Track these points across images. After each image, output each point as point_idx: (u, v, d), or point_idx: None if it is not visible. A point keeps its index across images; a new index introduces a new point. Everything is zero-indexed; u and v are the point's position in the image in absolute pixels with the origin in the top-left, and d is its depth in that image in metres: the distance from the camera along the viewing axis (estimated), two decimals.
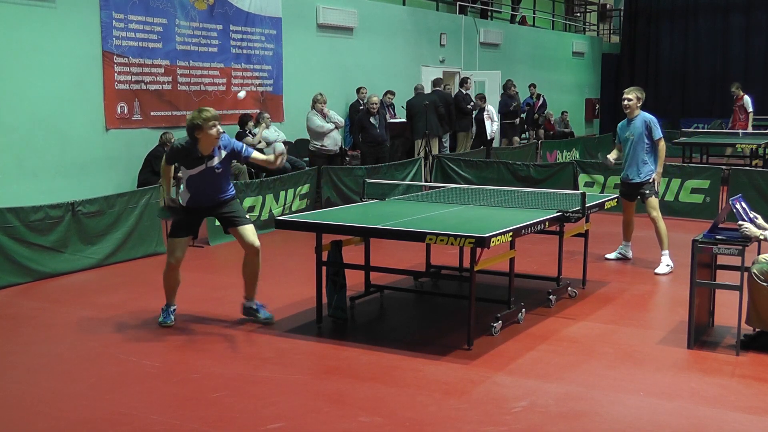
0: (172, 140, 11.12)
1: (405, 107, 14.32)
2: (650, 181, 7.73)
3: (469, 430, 4.12)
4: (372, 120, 11.95)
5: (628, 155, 7.85)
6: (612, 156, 8.16)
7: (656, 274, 7.60)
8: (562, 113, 20.42)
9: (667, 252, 7.73)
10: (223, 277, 7.57)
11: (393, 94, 14.56)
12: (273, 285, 7.03)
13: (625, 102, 7.79)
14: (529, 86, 18.46)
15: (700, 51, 24.36)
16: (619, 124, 8.05)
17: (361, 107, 13.99)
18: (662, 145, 7.73)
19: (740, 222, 5.30)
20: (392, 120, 14.07)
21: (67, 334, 5.80)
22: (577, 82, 23.96)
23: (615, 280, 7.36)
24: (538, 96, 18.41)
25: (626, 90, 7.96)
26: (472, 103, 15.26)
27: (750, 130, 16.12)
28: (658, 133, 7.68)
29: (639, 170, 7.76)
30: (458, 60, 18.36)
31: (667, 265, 7.69)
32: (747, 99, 16.35)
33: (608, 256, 8.30)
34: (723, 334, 5.72)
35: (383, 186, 9.38)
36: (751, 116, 16.36)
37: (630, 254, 8.28)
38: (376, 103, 11.93)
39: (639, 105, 7.78)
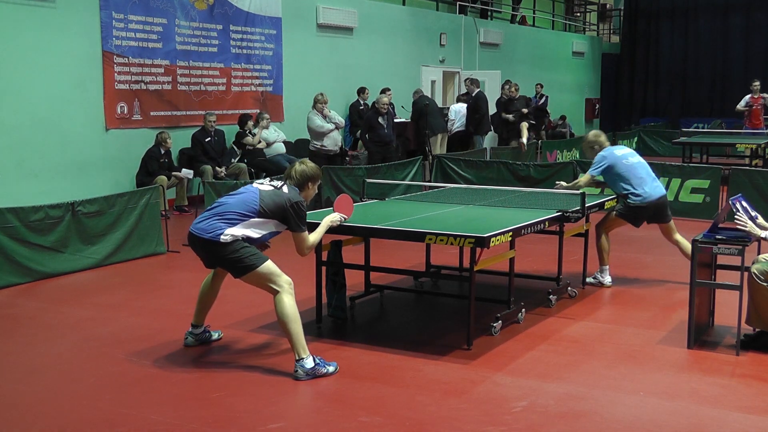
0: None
1: (410, 108, 14.43)
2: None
3: (469, 430, 4.12)
4: (380, 120, 11.95)
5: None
6: None
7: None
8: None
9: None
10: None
11: (389, 89, 14.54)
12: None
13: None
14: (536, 85, 18.49)
15: (700, 51, 24.38)
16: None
17: (362, 107, 14.00)
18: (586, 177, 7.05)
19: (742, 220, 5.29)
20: (395, 120, 14.09)
21: (67, 334, 5.80)
22: (577, 82, 23.97)
23: (615, 280, 7.36)
24: (542, 96, 18.42)
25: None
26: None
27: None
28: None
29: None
30: (458, 60, 18.37)
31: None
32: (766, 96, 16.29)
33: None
34: (723, 334, 5.72)
35: (383, 186, 9.37)
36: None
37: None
38: (386, 104, 11.93)
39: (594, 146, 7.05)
